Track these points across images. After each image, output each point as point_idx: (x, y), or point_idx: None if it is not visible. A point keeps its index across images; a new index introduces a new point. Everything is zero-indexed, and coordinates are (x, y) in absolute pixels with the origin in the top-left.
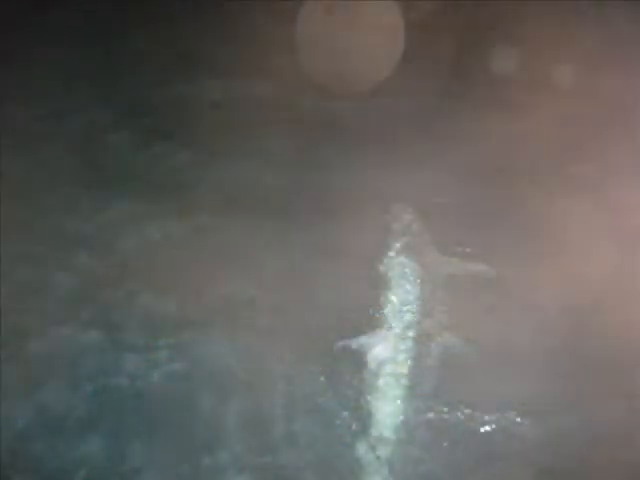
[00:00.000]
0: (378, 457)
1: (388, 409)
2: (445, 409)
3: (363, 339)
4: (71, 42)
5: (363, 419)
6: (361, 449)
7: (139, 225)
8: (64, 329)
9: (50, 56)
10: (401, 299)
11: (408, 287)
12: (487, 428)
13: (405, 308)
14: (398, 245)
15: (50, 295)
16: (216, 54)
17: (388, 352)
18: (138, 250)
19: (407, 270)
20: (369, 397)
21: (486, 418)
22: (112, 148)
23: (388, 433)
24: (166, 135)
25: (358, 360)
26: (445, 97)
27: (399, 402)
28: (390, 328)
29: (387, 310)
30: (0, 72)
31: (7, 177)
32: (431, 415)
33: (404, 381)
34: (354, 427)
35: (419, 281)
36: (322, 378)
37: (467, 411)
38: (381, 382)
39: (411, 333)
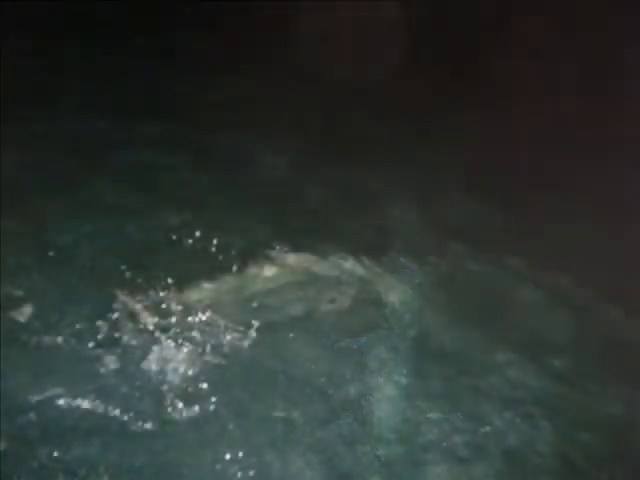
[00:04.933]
0: (377, 457)
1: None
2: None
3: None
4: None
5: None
6: (360, 449)
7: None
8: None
9: (50, 55)
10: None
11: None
12: (488, 427)
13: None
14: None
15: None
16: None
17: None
18: None
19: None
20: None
21: (486, 417)
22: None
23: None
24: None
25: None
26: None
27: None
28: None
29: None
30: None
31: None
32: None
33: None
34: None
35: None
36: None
37: (466, 410)
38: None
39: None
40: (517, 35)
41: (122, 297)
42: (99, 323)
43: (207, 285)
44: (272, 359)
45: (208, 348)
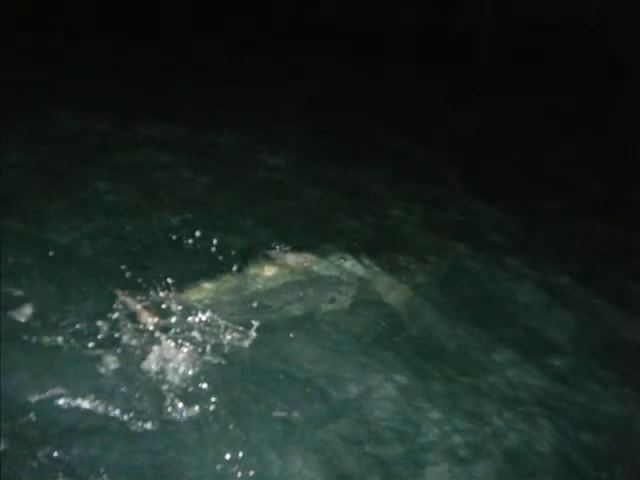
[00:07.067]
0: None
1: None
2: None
3: None
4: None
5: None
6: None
7: None
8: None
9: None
10: None
11: None
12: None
13: None
14: None
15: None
16: None
17: None
18: None
19: None
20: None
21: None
22: None
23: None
24: None
25: None
26: None
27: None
28: None
29: None
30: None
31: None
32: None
33: None
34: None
35: None
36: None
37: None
38: None
39: None
40: None
41: (122, 297)
42: (99, 323)
43: (207, 285)
44: (272, 359)
45: (208, 348)
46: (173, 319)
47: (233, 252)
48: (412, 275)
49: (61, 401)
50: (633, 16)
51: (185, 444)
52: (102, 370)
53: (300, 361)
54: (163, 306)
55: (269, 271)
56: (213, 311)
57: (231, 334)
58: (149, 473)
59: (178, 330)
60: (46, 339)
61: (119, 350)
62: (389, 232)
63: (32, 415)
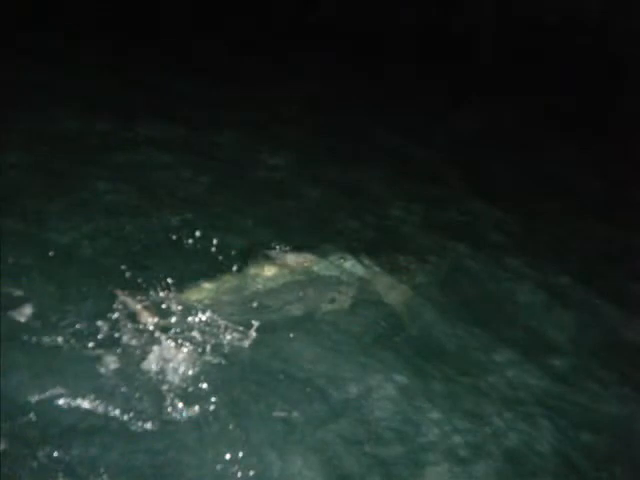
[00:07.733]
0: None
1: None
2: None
3: None
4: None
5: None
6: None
7: None
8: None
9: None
10: None
11: None
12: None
13: None
14: None
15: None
16: None
17: None
18: None
19: None
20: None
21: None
22: None
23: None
24: None
25: None
26: None
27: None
28: None
29: None
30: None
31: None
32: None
33: None
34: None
35: None
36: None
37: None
38: None
39: None
40: None
41: (122, 297)
42: (99, 323)
43: (207, 285)
44: (272, 359)
45: (208, 348)
46: (173, 319)
47: (233, 252)
48: (412, 275)
49: (61, 401)
50: (633, 16)
51: (185, 444)
52: (102, 370)
53: (300, 361)
54: (163, 306)
55: (269, 271)
56: (213, 311)
57: (231, 334)
58: (149, 473)
59: (178, 330)
60: (46, 339)
61: (119, 350)
62: (389, 232)
63: (32, 415)
